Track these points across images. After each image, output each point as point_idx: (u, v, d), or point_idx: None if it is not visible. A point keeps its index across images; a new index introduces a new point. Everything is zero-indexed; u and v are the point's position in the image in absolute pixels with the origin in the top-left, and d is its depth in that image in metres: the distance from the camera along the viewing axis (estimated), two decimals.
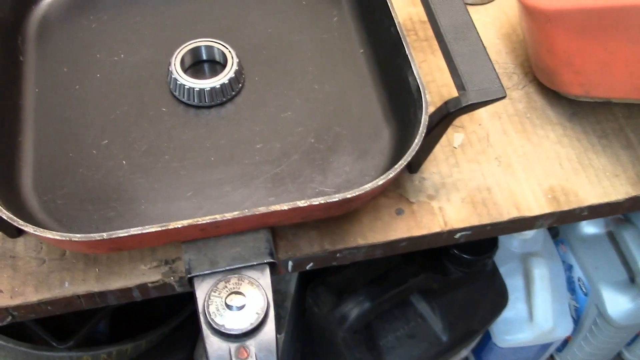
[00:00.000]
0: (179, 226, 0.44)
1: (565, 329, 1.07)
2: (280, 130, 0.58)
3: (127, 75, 0.61)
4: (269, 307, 0.47)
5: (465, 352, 1.04)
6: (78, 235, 0.44)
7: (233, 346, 0.45)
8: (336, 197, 0.46)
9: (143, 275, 0.53)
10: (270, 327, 0.46)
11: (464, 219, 0.57)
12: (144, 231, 0.44)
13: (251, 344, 0.45)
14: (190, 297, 0.48)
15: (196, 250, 0.49)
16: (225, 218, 0.45)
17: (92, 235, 0.44)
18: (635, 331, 1.13)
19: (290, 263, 0.55)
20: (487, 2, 0.74)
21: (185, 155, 0.56)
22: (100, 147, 0.56)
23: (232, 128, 0.58)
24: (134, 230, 0.44)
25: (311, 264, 0.56)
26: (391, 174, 0.48)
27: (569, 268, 1.11)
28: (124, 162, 0.55)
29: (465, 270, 0.88)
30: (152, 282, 0.52)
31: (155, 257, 0.53)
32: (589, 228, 1.09)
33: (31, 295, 0.51)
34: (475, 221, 0.57)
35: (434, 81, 0.66)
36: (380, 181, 0.47)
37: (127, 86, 0.60)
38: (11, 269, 0.52)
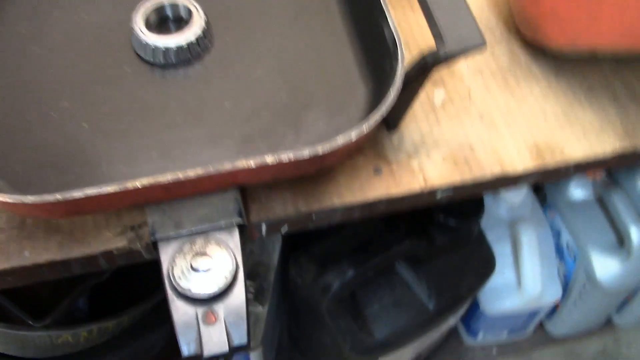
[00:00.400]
0: (139, 185, 0.42)
1: (553, 294, 1.06)
2: (250, 89, 0.55)
3: (88, 35, 0.57)
4: (238, 269, 0.44)
5: (452, 320, 1.02)
6: (31, 197, 0.41)
7: (200, 310, 0.43)
8: (306, 152, 0.43)
9: (108, 241, 0.50)
10: (239, 290, 0.44)
11: (445, 178, 0.55)
12: (101, 191, 0.41)
13: (219, 308, 0.43)
14: None
15: (160, 212, 0.46)
16: (188, 175, 0.42)
17: (45, 196, 0.41)
18: (624, 295, 1.12)
19: (263, 225, 0.52)
20: None
21: (149, 117, 0.53)
22: (60, 109, 0.53)
23: (200, 88, 0.55)
24: (91, 191, 0.41)
25: (285, 227, 0.53)
26: (365, 127, 0.45)
27: (557, 234, 1.09)
28: (84, 124, 0.52)
29: (451, 236, 0.86)
30: (118, 249, 0.50)
31: (121, 222, 0.51)
32: (577, 193, 1.07)
33: None
34: (457, 179, 0.55)
35: (413, 38, 0.64)
36: (353, 135, 0.44)
37: (88, 46, 0.57)
38: None
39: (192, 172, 0.43)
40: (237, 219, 0.46)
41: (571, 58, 0.62)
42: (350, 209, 0.54)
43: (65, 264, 0.49)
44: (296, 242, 0.89)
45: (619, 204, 0.98)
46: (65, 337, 0.96)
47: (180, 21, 0.58)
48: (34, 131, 0.51)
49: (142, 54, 0.55)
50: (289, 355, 1.18)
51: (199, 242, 0.45)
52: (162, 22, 0.58)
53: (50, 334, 0.91)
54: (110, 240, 0.50)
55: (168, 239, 0.46)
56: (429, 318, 0.89)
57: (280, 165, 0.44)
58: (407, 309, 0.88)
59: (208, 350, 0.42)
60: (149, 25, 0.56)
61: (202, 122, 0.53)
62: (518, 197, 1.04)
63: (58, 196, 0.41)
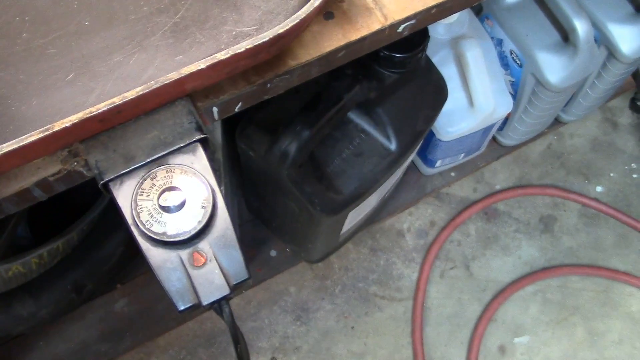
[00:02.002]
0: (69, 124, 0.33)
1: (505, 106, 1.03)
2: None
3: None
4: (214, 193, 0.37)
5: (411, 156, 0.99)
6: None
7: (184, 254, 0.36)
8: (265, 37, 0.35)
9: (39, 169, 0.41)
10: (223, 217, 0.37)
11: (406, 7, 0.48)
12: (24, 143, 0.32)
13: (205, 245, 0.36)
14: None
15: (102, 147, 0.38)
16: (126, 99, 0.34)
17: None
18: (572, 91, 1.11)
19: (215, 109, 0.44)
20: None
21: (49, 28, 0.42)
22: None
23: None
24: (10, 146, 0.32)
25: (239, 104, 0.46)
26: None
27: (499, 43, 1.04)
28: None
29: (399, 70, 0.80)
30: (53, 175, 0.41)
31: None
32: None
33: None
34: (419, 6, 0.48)
35: None
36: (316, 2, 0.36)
37: None
38: None
39: (131, 94, 0.34)
40: (196, 134, 0.38)
41: None
42: (307, 66, 0.46)
43: None
44: (237, 113, 0.81)
45: None
46: (15, 268, 0.89)
47: None
48: None
49: None
50: (252, 230, 1.15)
51: (160, 173, 0.37)
52: None
53: None
54: (42, 167, 0.41)
55: (121, 178, 0.37)
56: (392, 159, 0.85)
57: (235, 59, 0.36)
58: (369, 156, 0.84)
59: (206, 298, 0.36)
60: None
61: (116, 20, 0.42)
62: (454, 14, 0.97)
63: None
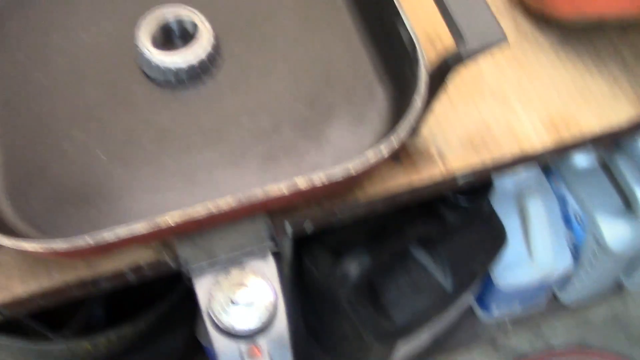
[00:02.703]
0: (171, 222, 0.40)
1: (565, 263, 1.06)
2: (266, 102, 0.53)
3: (90, 56, 0.55)
4: (278, 299, 0.43)
5: (467, 297, 1.03)
6: (60, 242, 0.40)
7: (243, 346, 0.42)
8: (338, 173, 0.42)
9: (135, 255, 0.49)
10: (281, 321, 0.43)
11: (465, 162, 0.54)
12: (133, 230, 0.40)
13: (263, 342, 0.42)
14: None
15: (191, 243, 0.45)
16: (220, 207, 0.41)
17: (76, 240, 0.40)
18: (633, 258, 1.12)
19: (288, 226, 0.51)
20: None
21: (166, 140, 0.51)
22: (72, 140, 0.51)
23: (215, 105, 0.53)
24: (121, 230, 0.40)
25: (310, 225, 0.53)
26: (395, 140, 0.43)
27: (563, 202, 1.09)
28: (100, 154, 0.50)
29: (461, 214, 0.85)
30: (146, 262, 0.49)
31: None
32: (580, 160, 1.07)
33: (18, 289, 0.48)
34: (477, 163, 0.54)
35: (418, 21, 0.62)
36: (384, 149, 0.43)
37: (93, 68, 0.54)
38: None
39: (224, 204, 0.42)
40: (270, 245, 0.46)
41: (577, 27, 0.61)
42: (373, 202, 0.53)
43: (94, 282, 0.49)
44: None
45: (624, 167, 0.99)
46: (85, 347, 0.95)
47: (186, 35, 0.55)
48: (49, 166, 0.50)
49: (150, 74, 0.53)
50: (306, 347, 1.18)
51: (235, 272, 0.44)
52: (167, 36, 0.55)
53: (70, 346, 0.90)
54: (137, 253, 0.49)
55: (202, 270, 0.45)
56: (447, 298, 0.89)
57: (312, 187, 0.43)
58: (425, 292, 0.88)
59: None
60: (155, 43, 0.53)
61: (221, 141, 0.51)
62: (525, 170, 1.03)
63: (89, 239, 0.40)
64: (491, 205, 0.94)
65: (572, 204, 1.08)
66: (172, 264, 0.49)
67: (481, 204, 0.88)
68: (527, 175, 1.04)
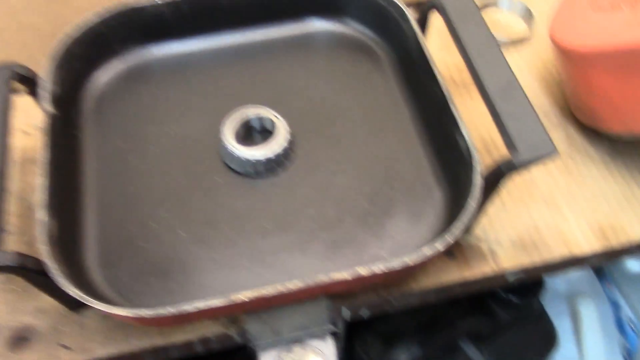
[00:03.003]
0: (244, 299, 0.45)
1: None
2: (333, 196, 0.59)
3: (179, 146, 0.62)
4: None
5: None
6: (147, 311, 0.45)
7: None
8: (397, 264, 0.47)
9: (205, 327, 0.54)
10: None
11: (515, 260, 0.58)
12: (210, 305, 0.45)
13: None
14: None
15: (258, 320, 0.50)
16: (289, 288, 0.46)
17: (160, 310, 0.45)
18: None
19: (346, 310, 0.55)
20: (520, 41, 0.76)
21: (241, 224, 0.57)
22: (159, 219, 0.57)
23: (286, 195, 0.59)
24: (201, 304, 0.45)
25: (367, 311, 0.57)
26: (449, 237, 0.48)
27: (616, 307, 1.09)
28: (183, 233, 0.56)
29: (512, 312, 0.87)
30: (214, 334, 0.53)
31: None
32: (633, 265, 1.07)
33: (98, 351, 0.53)
34: (526, 262, 0.58)
35: (474, 126, 0.67)
36: (439, 246, 0.47)
37: (181, 157, 0.62)
38: (78, 325, 0.54)
39: (293, 285, 0.46)
40: (330, 327, 0.50)
41: (627, 140, 0.65)
42: (426, 293, 0.57)
43: (165, 349, 0.53)
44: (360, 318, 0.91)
45: None
46: None
47: (264, 131, 0.62)
48: (136, 241, 0.56)
49: (232, 165, 0.60)
50: None
51: (296, 349, 0.48)
52: (248, 132, 0.63)
53: None
54: (207, 326, 0.54)
55: (267, 346, 0.49)
56: None
57: (371, 275, 0.47)
58: None
59: None
60: (237, 138, 0.60)
61: (289, 229, 0.57)
62: (576, 271, 1.05)
63: (171, 309, 0.45)
64: (542, 305, 0.95)
65: (626, 310, 1.07)
66: (238, 339, 0.54)
67: (532, 303, 0.90)
68: (579, 277, 1.05)
